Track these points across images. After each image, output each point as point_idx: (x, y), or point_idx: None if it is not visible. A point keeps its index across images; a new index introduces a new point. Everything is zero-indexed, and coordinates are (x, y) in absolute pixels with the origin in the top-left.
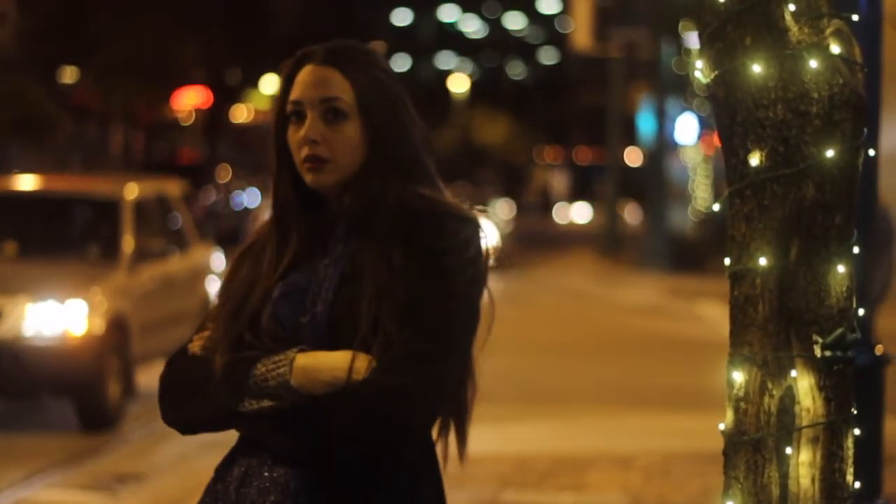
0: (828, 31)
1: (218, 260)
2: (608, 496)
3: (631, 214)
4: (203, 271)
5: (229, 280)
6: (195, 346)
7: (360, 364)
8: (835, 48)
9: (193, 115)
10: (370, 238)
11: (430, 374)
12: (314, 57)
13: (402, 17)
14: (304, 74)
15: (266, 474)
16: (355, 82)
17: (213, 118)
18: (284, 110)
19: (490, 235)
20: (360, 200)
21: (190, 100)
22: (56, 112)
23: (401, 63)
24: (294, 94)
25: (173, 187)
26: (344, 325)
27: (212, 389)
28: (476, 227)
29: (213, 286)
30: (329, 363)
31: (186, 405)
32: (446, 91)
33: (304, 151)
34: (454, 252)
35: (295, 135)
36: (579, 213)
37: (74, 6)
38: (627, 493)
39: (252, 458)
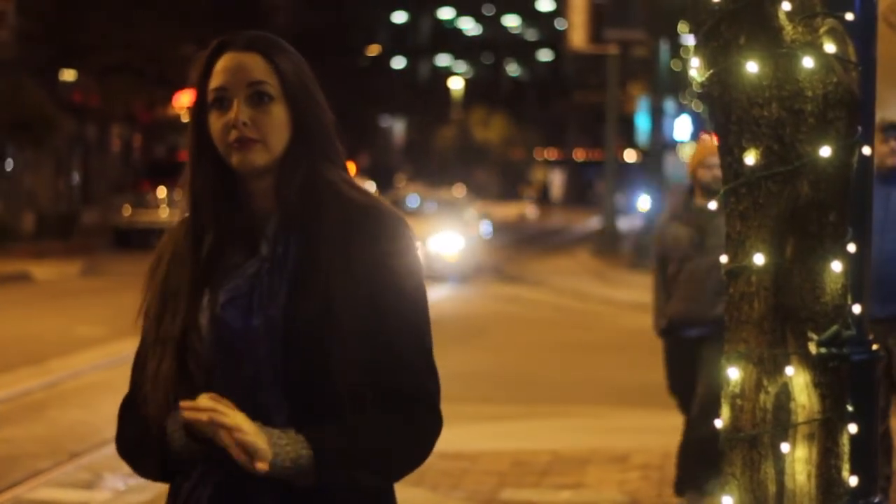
0: (822, 30)
1: None
2: (606, 494)
3: (531, 212)
4: None
5: (160, 290)
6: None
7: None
8: (829, 47)
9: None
10: (313, 235)
11: (437, 382)
12: (234, 44)
13: (398, 17)
14: (226, 61)
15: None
16: (278, 66)
17: None
18: (204, 100)
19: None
20: (289, 184)
21: (188, 99)
22: (55, 113)
23: (398, 62)
24: (216, 82)
25: None
26: (301, 328)
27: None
28: (405, 223)
29: None
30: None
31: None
32: (444, 90)
33: (233, 135)
34: (407, 252)
35: (219, 121)
36: None
37: (72, 7)
38: (625, 490)
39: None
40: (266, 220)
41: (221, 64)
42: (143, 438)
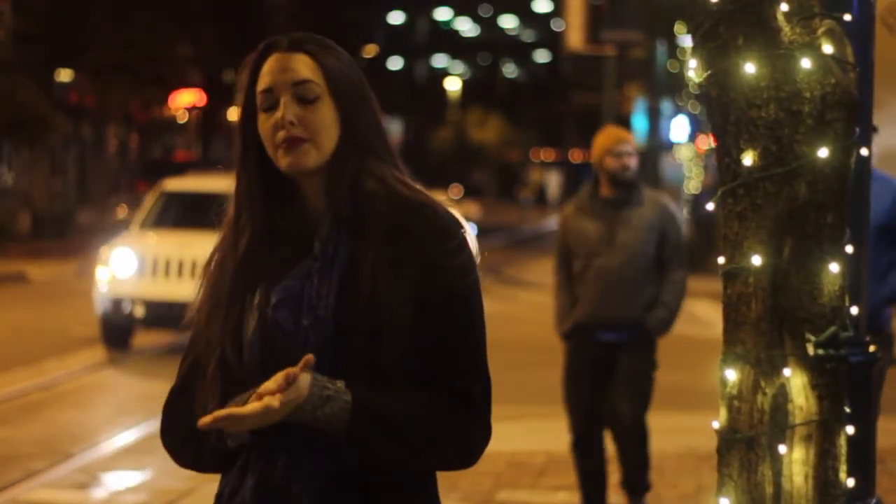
0: (820, 31)
1: None
2: None
3: (474, 210)
4: None
5: (211, 288)
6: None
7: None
8: (827, 48)
9: (188, 114)
10: (362, 235)
11: (486, 386)
12: (279, 46)
13: (396, 17)
14: (272, 63)
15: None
16: (324, 65)
17: (208, 118)
18: (252, 103)
19: (469, 230)
20: (340, 183)
21: (185, 100)
22: (51, 112)
23: (395, 62)
24: (263, 84)
25: None
26: (351, 330)
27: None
28: (459, 221)
29: None
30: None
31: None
32: (441, 91)
33: (281, 135)
34: (459, 252)
35: (267, 123)
36: None
37: (68, 7)
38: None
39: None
40: (319, 220)
41: (267, 66)
42: (190, 432)
